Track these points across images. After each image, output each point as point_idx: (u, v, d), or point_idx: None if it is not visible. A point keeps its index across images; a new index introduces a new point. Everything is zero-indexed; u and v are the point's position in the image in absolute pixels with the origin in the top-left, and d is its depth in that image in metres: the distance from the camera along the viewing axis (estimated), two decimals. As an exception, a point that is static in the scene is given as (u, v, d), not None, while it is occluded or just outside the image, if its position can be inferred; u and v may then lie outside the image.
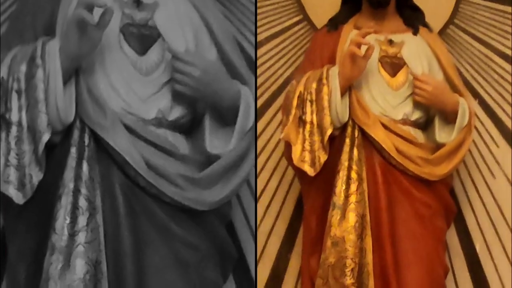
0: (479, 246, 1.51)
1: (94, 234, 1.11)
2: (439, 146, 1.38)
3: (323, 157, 1.31)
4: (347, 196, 1.32)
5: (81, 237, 1.11)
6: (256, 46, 1.50)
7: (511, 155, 1.52)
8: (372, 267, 1.30)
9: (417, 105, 1.36)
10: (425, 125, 1.41)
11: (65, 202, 1.12)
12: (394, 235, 1.33)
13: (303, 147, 1.33)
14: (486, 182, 1.51)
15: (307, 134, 1.33)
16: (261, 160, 1.53)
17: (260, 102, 1.51)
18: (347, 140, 1.34)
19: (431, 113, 1.39)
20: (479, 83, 1.56)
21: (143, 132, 1.18)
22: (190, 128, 1.28)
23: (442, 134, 1.37)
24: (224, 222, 1.30)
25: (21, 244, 1.19)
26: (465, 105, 1.37)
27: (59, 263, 1.09)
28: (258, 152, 1.47)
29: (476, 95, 1.53)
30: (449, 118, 1.37)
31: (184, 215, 1.19)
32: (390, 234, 1.33)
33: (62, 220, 1.11)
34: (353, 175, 1.33)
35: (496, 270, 1.48)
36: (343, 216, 1.32)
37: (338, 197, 1.32)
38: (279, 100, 1.50)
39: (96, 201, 1.13)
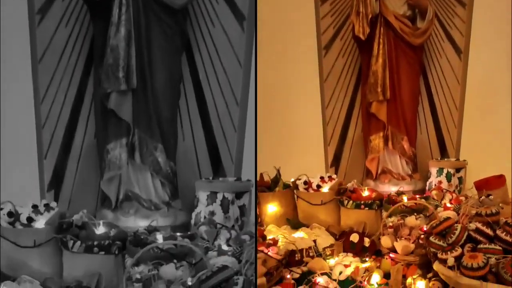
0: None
1: None
2: (418, 29, 3.08)
3: (367, 30, 2.97)
4: (378, 52, 3.01)
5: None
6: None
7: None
8: (389, 83, 3.01)
9: (409, 6, 3.05)
10: (412, 20, 3.10)
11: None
12: (398, 70, 3.04)
13: (358, 25, 2.98)
14: (438, 51, 3.24)
15: (360, 19, 2.98)
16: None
17: None
18: (378, 25, 3.01)
19: (415, 12, 3.08)
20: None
21: None
22: None
23: (420, 23, 3.08)
24: None
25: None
26: (431, 9, 3.06)
27: None
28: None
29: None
30: (423, 15, 3.04)
31: None
32: (396, 70, 3.04)
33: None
34: (381, 45, 3.01)
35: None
36: (376, 60, 3.00)
37: (375, 51, 3.01)
38: None
39: None
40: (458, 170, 2.93)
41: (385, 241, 2.19)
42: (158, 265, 1.88)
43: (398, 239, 2.16)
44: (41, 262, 1.94)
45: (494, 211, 1.82)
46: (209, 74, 2.81)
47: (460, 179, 2.91)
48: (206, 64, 2.81)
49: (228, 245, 2.13)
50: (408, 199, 2.45)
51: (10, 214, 1.97)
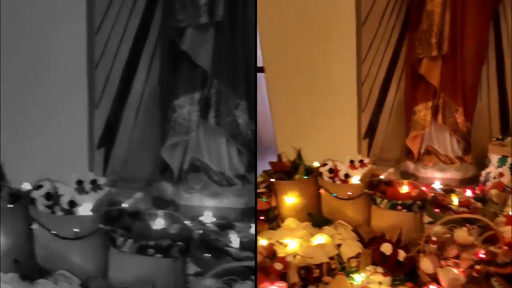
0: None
1: None
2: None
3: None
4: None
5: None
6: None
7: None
8: (448, 33, 2.42)
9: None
10: None
11: None
12: (463, 13, 2.43)
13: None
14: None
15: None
16: None
17: None
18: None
19: None
20: None
21: None
22: None
23: None
24: None
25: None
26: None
27: None
28: None
29: None
30: None
31: None
32: (461, 13, 2.43)
33: None
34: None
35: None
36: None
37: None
38: None
39: None
40: (528, 159, 2.45)
41: (426, 265, 1.83)
42: (233, 282, 1.60)
43: (443, 263, 1.84)
44: (83, 257, 1.72)
45: None
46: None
47: (530, 171, 2.46)
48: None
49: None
50: (460, 202, 2.08)
51: (48, 196, 1.70)
